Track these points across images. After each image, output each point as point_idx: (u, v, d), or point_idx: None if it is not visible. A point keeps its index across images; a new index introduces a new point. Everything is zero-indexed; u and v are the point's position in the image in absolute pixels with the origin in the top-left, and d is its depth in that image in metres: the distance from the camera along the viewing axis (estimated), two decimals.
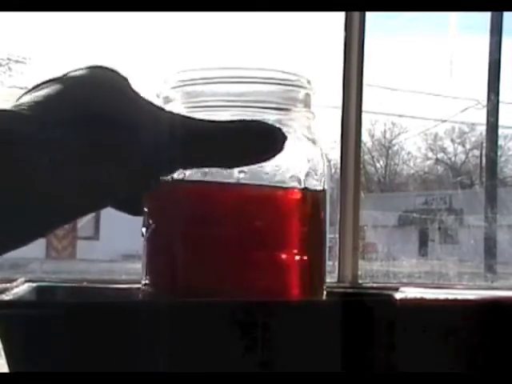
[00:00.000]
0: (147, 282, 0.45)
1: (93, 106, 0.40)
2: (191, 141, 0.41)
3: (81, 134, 0.39)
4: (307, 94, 0.46)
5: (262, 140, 0.41)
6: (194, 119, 0.42)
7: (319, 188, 0.45)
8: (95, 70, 0.41)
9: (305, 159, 0.45)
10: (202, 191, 0.44)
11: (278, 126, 0.43)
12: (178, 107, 0.44)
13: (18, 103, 0.39)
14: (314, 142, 0.45)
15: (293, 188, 0.44)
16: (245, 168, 0.43)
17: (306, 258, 0.44)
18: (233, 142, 0.41)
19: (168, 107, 0.44)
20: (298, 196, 0.44)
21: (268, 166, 0.43)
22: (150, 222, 0.44)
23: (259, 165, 0.43)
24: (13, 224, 0.38)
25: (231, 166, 0.42)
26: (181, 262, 0.43)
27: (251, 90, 0.44)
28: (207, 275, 0.43)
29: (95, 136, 0.39)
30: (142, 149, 0.40)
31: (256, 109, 0.44)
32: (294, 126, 0.45)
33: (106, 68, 0.42)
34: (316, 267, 0.45)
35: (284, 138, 0.41)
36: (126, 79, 0.42)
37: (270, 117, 0.44)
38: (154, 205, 0.45)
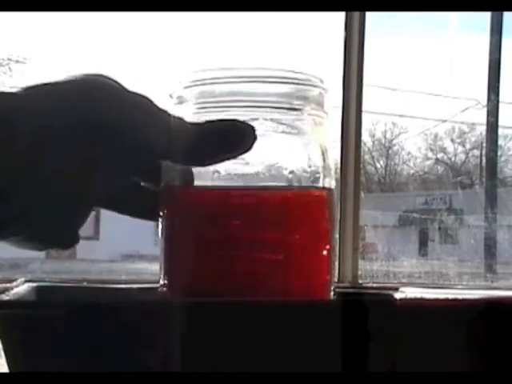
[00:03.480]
0: (165, 282, 0.45)
1: (82, 112, 0.41)
2: (170, 140, 0.43)
3: (65, 143, 0.40)
4: (320, 94, 0.46)
5: (233, 138, 0.43)
6: (177, 120, 0.43)
7: (331, 187, 0.45)
8: (87, 77, 0.42)
9: (317, 158, 0.45)
10: (215, 194, 0.44)
11: (290, 124, 0.44)
12: (190, 107, 0.44)
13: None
14: (326, 140, 0.45)
15: (305, 188, 0.44)
16: (253, 169, 0.44)
17: (318, 257, 0.44)
18: (203, 141, 0.43)
19: (181, 107, 0.45)
20: (310, 195, 0.45)
21: (280, 166, 0.44)
22: (165, 224, 0.45)
23: (271, 165, 0.44)
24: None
25: (203, 164, 0.44)
26: (195, 263, 0.43)
27: (264, 90, 0.44)
28: (220, 276, 0.43)
29: (79, 144, 0.41)
30: (125, 153, 0.42)
31: (268, 108, 0.44)
32: (307, 126, 0.45)
33: (99, 75, 0.43)
34: (326, 266, 0.45)
35: (254, 136, 0.42)
36: (117, 82, 0.43)
37: (283, 116, 0.44)
38: (168, 207, 0.45)
